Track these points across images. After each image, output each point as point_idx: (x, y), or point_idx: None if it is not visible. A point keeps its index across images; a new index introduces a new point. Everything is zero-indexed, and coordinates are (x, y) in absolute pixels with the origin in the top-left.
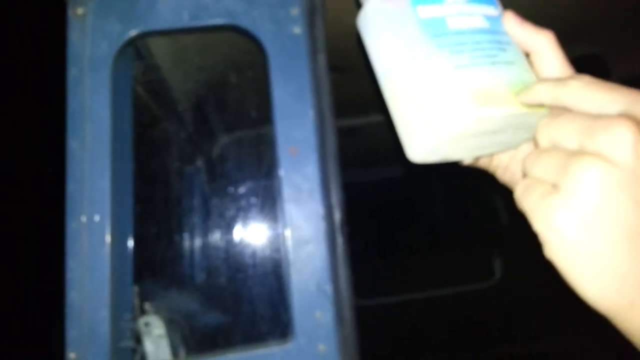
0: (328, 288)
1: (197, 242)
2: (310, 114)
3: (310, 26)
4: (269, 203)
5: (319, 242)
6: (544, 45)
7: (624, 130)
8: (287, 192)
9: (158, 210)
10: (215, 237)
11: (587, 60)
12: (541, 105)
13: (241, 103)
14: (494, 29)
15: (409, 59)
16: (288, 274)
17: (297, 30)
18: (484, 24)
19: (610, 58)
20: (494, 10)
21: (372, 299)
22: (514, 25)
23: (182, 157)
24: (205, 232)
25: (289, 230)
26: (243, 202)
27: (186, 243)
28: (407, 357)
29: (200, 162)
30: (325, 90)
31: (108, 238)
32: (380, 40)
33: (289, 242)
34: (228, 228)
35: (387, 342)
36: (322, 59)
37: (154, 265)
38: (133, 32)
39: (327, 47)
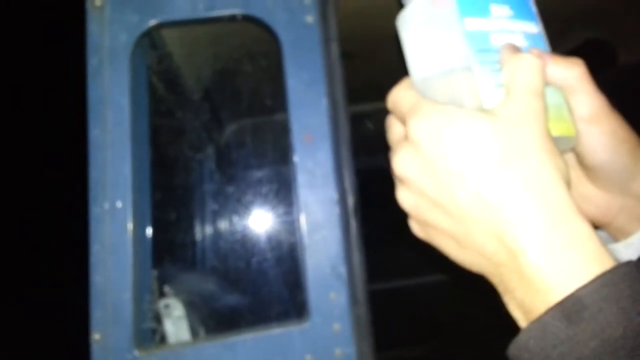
0: (342, 270)
1: (214, 227)
2: (323, 102)
3: (323, 15)
4: (285, 188)
5: (333, 227)
6: (575, 80)
7: (416, 122)
8: (301, 178)
9: (175, 196)
10: (232, 222)
11: (594, 44)
12: (571, 131)
13: (254, 91)
14: (532, 49)
15: (451, 70)
16: (303, 257)
17: (310, 19)
18: (523, 43)
19: (617, 43)
20: (534, 27)
21: (387, 282)
22: (546, 63)
23: (197, 144)
24: (222, 218)
25: (303, 215)
26: (259, 188)
27: (203, 228)
28: (419, 339)
29: (214, 148)
30: (338, 78)
31: (130, 224)
32: (420, 44)
33: (304, 227)
34: (244, 214)
35: (400, 325)
36: (334, 47)
37: (173, 250)
38: (150, 23)
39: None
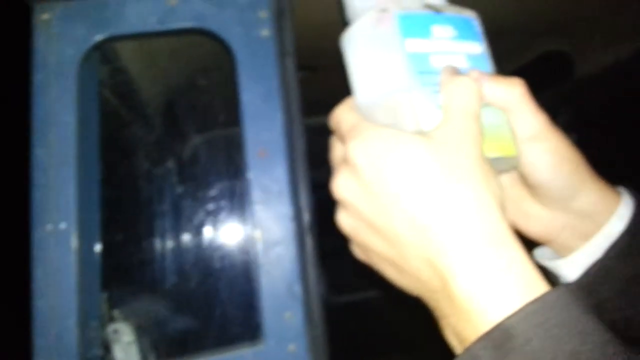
0: (297, 289)
1: (167, 245)
2: (278, 117)
3: (279, 28)
4: (240, 205)
5: (288, 244)
6: (515, 100)
7: (355, 145)
8: (256, 194)
9: (128, 214)
10: (185, 240)
11: (552, 56)
12: (512, 152)
13: (213, 104)
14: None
15: (392, 91)
16: (258, 276)
17: (266, 32)
18: (465, 64)
19: (575, 55)
20: (478, 47)
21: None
22: (485, 84)
23: (152, 160)
24: (175, 235)
25: (258, 232)
26: (213, 205)
27: (156, 247)
28: (380, 355)
29: (171, 164)
30: (293, 92)
31: (75, 245)
32: (363, 64)
33: (259, 244)
34: (198, 231)
35: (360, 339)
36: (290, 61)
37: (124, 271)
38: (99, 37)
39: (297, 47)
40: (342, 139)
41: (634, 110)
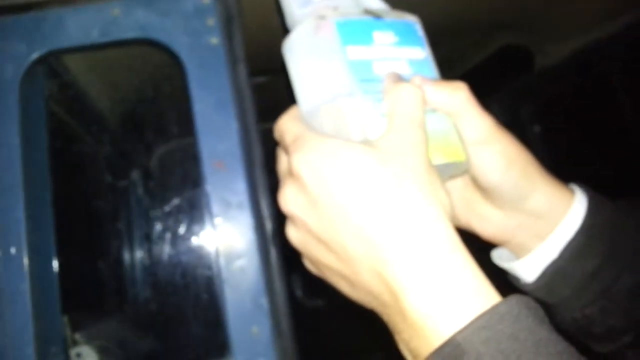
0: (263, 302)
1: (129, 263)
2: (233, 126)
3: (228, 36)
4: (201, 218)
5: (252, 256)
6: (460, 105)
7: (298, 156)
8: (215, 207)
9: (86, 232)
10: (148, 257)
11: (512, 50)
12: (460, 156)
13: (180, 113)
14: (417, 75)
15: (335, 101)
16: (222, 291)
17: (215, 40)
18: (407, 70)
19: (534, 47)
20: (420, 52)
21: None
22: (428, 89)
23: (111, 173)
24: (137, 253)
25: (220, 245)
26: (175, 219)
27: (117, 265)
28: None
29: (131, 177)
30: (247, 100)
31: (27, 270)
32: (305, 73)
33: (221, 258)
34: (160, 247)
35: (337, 340)
36: (242, 69)
37: (85, 291)
38: (38, 53)
39: (254, 51)
40: (287, 150)
41: (593, 100)
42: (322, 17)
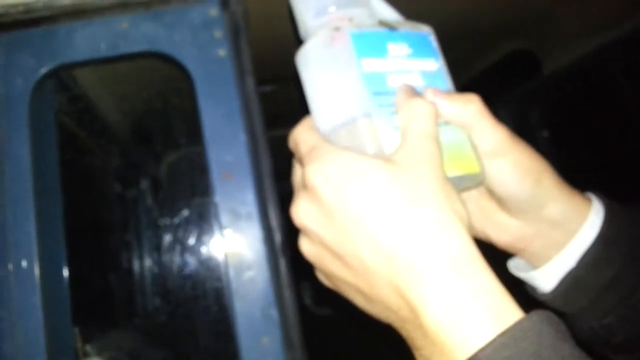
0: (273, 313)
1: (140, 274)
2: (242, 138)
3: (235, 47)
4: (209, 228)
5: (261, 267)
6: (472, 117)
7: (314, 168)
8: (224, 218)
9: (99, 243)
10: (158, 268)
11: (518, 55)
12: (475, 168)
13: (188, 120)
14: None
15: (349, 113)
16: (232, 302)
17: (222, 52)
18: (420, 82)
19: (541, 52)
20: (434, 64)
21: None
22: (441, 103)
23: (122, 185)
24: (148, 264)
25: (229, 256)
26: (185, 230)
27: (128, 276)
28: None
29: (142, 188)
30: (255, 111)
31: (38, 283)
32: (320, 86)
33: (231, 269)
34: (170, 258)
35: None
36: (250, 80)
37: (96, 303)
38: (48, 66)
39: (262, 59)
40: (301, 162)
41: (600, 103)
42: (337, 29)
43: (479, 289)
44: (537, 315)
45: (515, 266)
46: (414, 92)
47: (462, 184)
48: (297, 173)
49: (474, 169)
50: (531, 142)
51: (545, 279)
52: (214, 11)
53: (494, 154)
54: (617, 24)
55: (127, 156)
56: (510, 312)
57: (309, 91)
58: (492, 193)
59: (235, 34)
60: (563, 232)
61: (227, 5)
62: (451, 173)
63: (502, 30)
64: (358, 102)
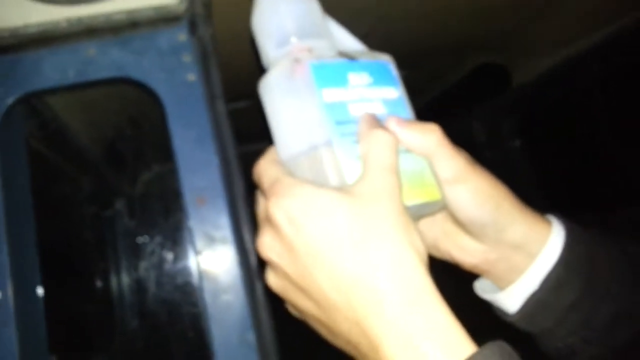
0: (250, 337)
1: (118, 297)
2: (214, 162)
3: (205, 72)
4: (185, 252)
5: (237, 290)
6: (432, 146)
7: (275, 202)
8: (199, 243)
9: (75, 267)
10: (136, 291)
11: (488, 68)
12: (435, 195)
13: (154, 143)
14: (392, 115)
15: (311, 144)
16: (208, 326)
17: (192, 77)
18: (382, 110)
19: (510, 65)
20: (394, 92)
21: None
22: (401, 132)
23: (104, 202)
24: (126, 287)
25: (204, 281)
26: (159, 255)
27: (105, 299)
28: None
29: (126, 202)
30: (227, 135)
31: (12, 314)
32: (282, 117)
33: (206, 294)
34: (143, 284)
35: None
36: (220, 104)
37: (74, 328)
38: (15, 95)
39: (235, 76)
40: (264, 195)
41: (569, 114)
42: (297, 60)
43: (434, 324)
44: (490, 348)
45: (481, 287)
46: (376, 121)
47: (422, 212)
48: (261, 206)
49: (433, 196)
50: (503, 152)
51: (510, 300)
52: (182, 36)
53: (455, 181)
54: (585, 37)
55: (101, 176)
56: (463, 347)
57: (271, 121)
58: (455, 218)
59: (204, 58)
60: (525, 255)
61: (195, 30)
62: (411, 201)
63: (473, 45)
64: (319, 131)
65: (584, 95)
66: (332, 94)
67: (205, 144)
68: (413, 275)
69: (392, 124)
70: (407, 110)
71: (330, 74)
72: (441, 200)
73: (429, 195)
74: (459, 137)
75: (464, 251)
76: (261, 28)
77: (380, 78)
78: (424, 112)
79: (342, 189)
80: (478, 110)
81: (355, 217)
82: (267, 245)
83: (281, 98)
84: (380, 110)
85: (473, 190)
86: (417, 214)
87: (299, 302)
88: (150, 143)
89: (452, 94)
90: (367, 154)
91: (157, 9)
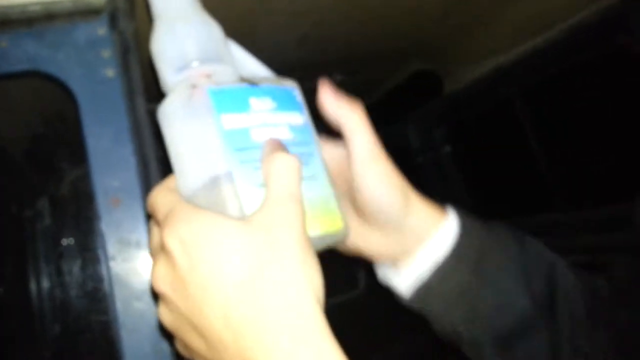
0: (165, 347)
1: (38, 303)
2: (131, 161)
3: (125, 68)
4: (95, 259)
5: (151, 298)
6: (354, 124)
7: (169, 232)
8: (111, 247)
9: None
10: (56, 294)
11: (422, 75)
12: (338, 225)
13: (76, 141)
14: (298, 141)
15: (210, 172)
16: (119, 335)
17: (110, 73)
18: (288, 135)
19: (442, 73)
20: (299, 117)
21: None
22: (329, 99)
23: (25, 202)
24: (45, 290)
25: (115, 288)
26: (69, 258)
27: (25, 304)
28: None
29: (49, 202)
30: (146, 133)
31: None
32: (179, 144)
33: (118, 301)
34: (52, 292)
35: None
36: (140, 101)
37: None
38: None
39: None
40: (159, 225)
41: (496, 122)
42: (194, 86)
43: None
44: None
45: (382, 273)
46: (280, 145)
47: (324, 243)
48: (155, 237)
49: (336, 226)
50: (436, 157)
51: (403, 284)
52: (101, 30)
53: (369, 159)
54: (514, 47)
55: (23, 175)
56: None
57: (170, 149)
58: (356, 204)
59: (124, 54)
60: (419, 241)
61: (115, 24)
62: (313, 232)
63: (409, 52)
64: (218, 160)
65: (510, 105)
66: (232, 120)
67: (123, 143)
68: (306, 315)
69: (324, 89)
70: (313, 136)
71: (230, 99)
72: (343, 229)
73: (331, 225)
74: (395, 142)
75: (363, 239)
76: (159, 52)
77: (284, 103)
78: None
79: (241, 217)
80: (413, 116)
81: (250, 250)
82: (161, 277)
83: (178, 126)
84: (286, 135)
85: (384, 173)
86: (318, 245)
87: (190, 340)
88: (77, 140)
89: (389, 100)
90: (268, 179)
91: (75, 1)
